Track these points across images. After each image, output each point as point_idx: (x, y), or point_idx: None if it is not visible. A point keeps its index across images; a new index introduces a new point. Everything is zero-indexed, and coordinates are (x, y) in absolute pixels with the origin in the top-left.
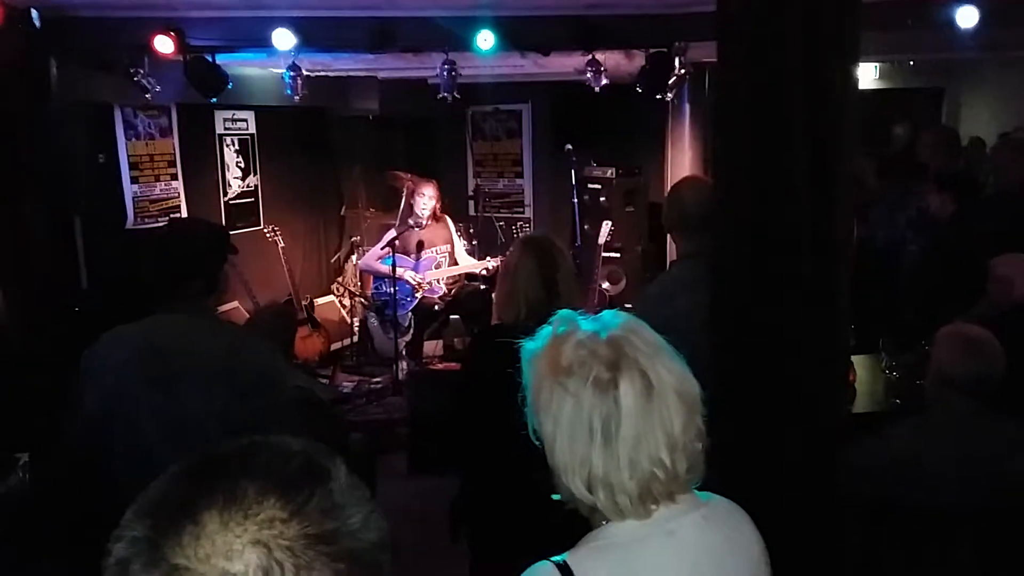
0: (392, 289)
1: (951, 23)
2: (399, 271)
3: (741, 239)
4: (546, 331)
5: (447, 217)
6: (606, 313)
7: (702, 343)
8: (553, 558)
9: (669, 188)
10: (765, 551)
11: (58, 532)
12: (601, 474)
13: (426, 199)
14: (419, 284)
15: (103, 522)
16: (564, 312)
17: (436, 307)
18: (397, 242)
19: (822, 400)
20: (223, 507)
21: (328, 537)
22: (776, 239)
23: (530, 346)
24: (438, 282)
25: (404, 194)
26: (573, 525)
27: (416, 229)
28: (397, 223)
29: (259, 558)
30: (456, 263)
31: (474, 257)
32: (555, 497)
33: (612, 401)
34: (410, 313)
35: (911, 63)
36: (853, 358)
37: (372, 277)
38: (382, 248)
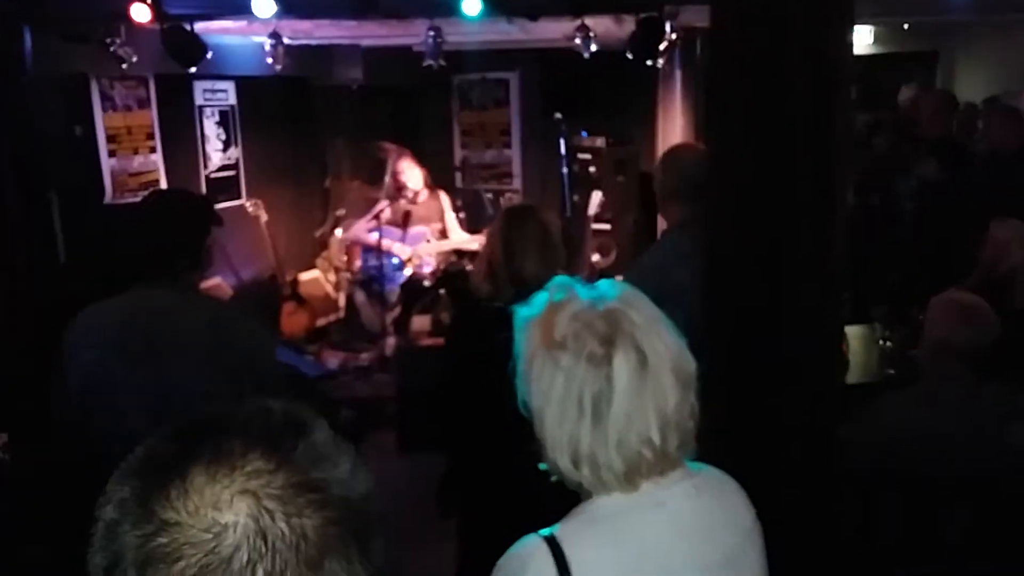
0: (379, 263)
1: None
2: (387, 244)
3: (735, 206)
4: (542, 298)
5: (440, 191)
6: (603, 282)
7: (696, 314)
8: (541, 531)
9: (661, 156)
10: (757, 520)
11: (40, 511)
12: (588, 451)
13: (410, 172)
14: (408, 259)
15: (85, 499)
16: (561, 278)
17: (426, 282)
18: (386, 213)
19: (816, 369)
20: (209, 462)
21: (316, 485)
22: (771, 206)
23: (524, 312)
24: (428, 257)
25: (388, 166)
26: (563, 498)
27: (403, 202)
28: (383, 195)
29: (249, 507)
30: (447, 239)
31: (465, 231)
32: (542, 467)
33: (604, 378)
34: (399, 288)
35: (905, 26)
36: (847, 329)
37: (360, 250)
38: (369, 220)
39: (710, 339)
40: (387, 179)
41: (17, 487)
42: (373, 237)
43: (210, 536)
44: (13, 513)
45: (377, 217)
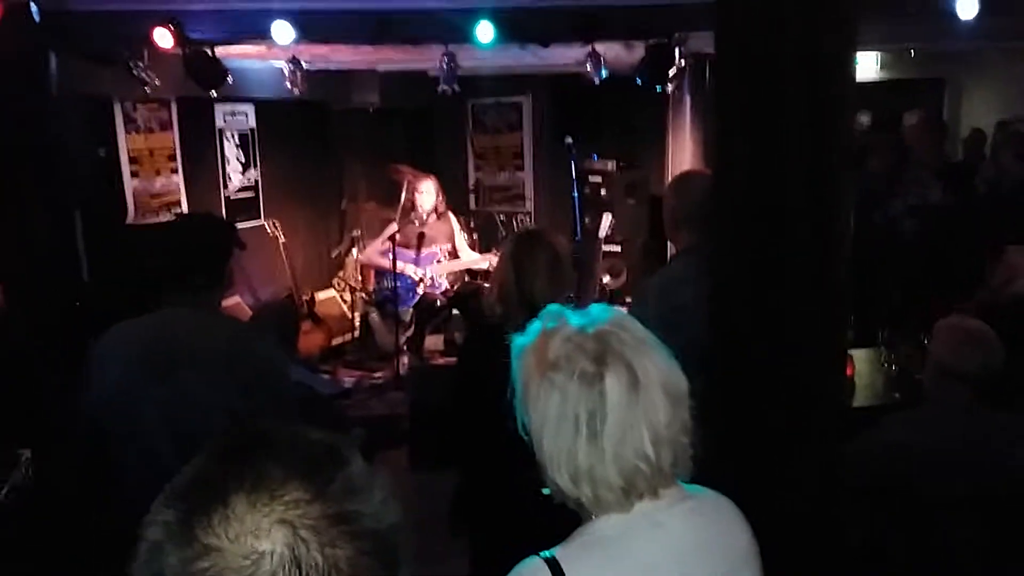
0: (393, 284)
1: (952, 12)
2: (400, 265)
3: (739, 229)
4: (535, 326)
5: (450, 213)
6: (595, 307)
7: (701, 335)
8: (542, 553)
9: (670, 181)
10: (754, 542)
11: (64, 525)
12: (586, 467)
13: (426, 195)
14: (421, 279)
15: (106, 514)
16: (553, 307)
17: (438, 303)
18: (398, 236)
19: (820, 392)
20: (250, 490)
21: (349, 517)
22: (774, 229)
23: (520, 341)
24: (440, 277)
25: (404, 188)
26: (571, 520)
27: (417, 225)
28: (397, 217)
29: (285, 536)
30: (458, 259)
31: (476, 252)
32: (544, 492)
33: (598, 394)
34: (412, 308)
35: (911, 53)
36: (852, 352)
37: (373, 271)
38: (383, 242)
39: (715, 361)
40: (402, 200)
41: (40, 501)
42: (387, 259)
43: (248, 563)
44: (37, 527)
45: (392, 239)
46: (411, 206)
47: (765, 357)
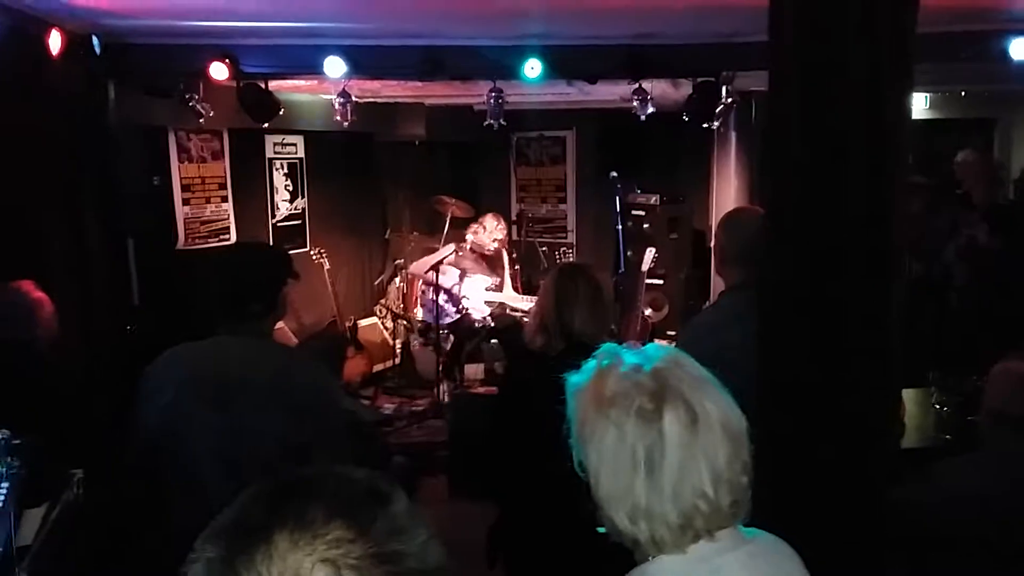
0: (438, 298)
1: (1004, 55)
2: (450, 283)
3: (791, 268)
4: (591, 364)
5: (503, 250)
6: (650, 346)
7: (751, 374)
8: None
9: (720, 218)
10: None
11: (113, 548)
12: (644, 505)
13: (494, 230)
14: (463, 297)
15: (156, 537)
16: (609, 345)
17: (477, 324)
18: (450, 257)
19: (874, 433)
20: (293, 528)
21: (392, 557)
22: (828, 269)
23: (575, 379)
24: (482, 303)
25: (473, 228)
26: (612, 556)
27: (473, 254)
28: (468, 238)
29: None
30: (501, 292)
31: (518, 281)
32: (600, 530)
33: (656, 432)
34: (448, 331)
35: (963, 93)
36: (902, 392)
37: (418, 295)
38: (439, 261)
39: (765, 400)
40: (474, 227)
41: (91, 522)
42: (451, 276)
43: None
44: (87, 548)
45: (436, 268)
46: (476, 233)
47: (818, 397)
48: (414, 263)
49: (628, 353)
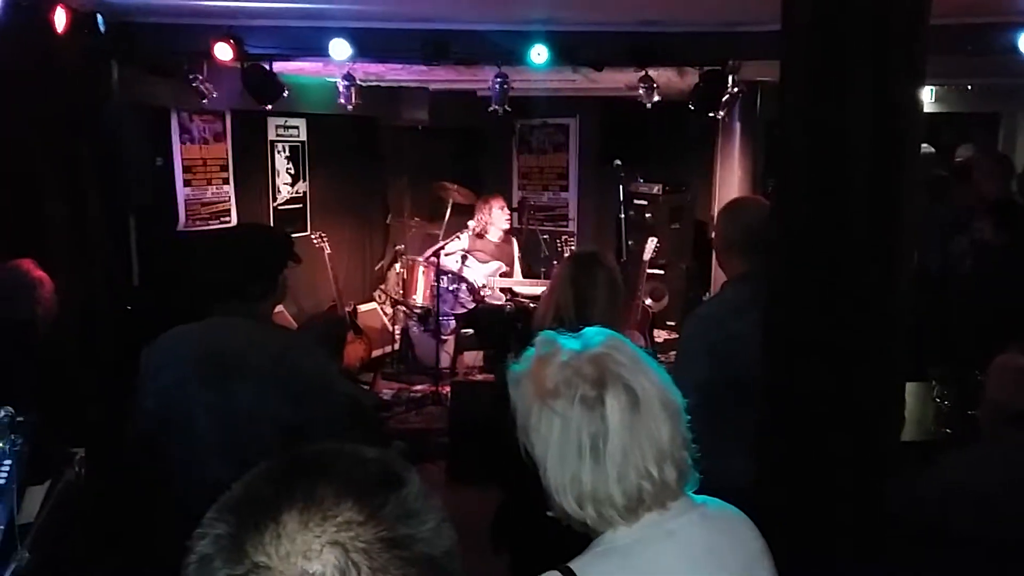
0: (455, 286)
1: (1013, 48)
2: (465, 267)
3: (799, 260)
4: (529, 352)
5: (513, 238)
6: (588, 330)
7: (754, 365)
8: (560, 567)
9: (723, 207)
10: (767, 550)
11: (114, 526)
12: (590, 490)
13: (496, 217)
14: (483, 285)
15: (157, 516)
16: (547, 333)
17: (501, 309)
18: (461, 243)
19: (876, 426)
20: (303, 508)
21: (402, 541)
22: (835, 261)
23: (515, 368)
24: (497, 290)
25: (479, 208)
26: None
27: (483, 237)
28: (474, 223)
29: (336, 559)
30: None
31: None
32: (549, 514)
33: (599, 418)
34: (455, 317)
35: (969, 87)
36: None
37: (418, 281)
38: (454, 247)
39: (768, 391)
40: (482, 214)
41: (93, 501)
42: (453, 260)
43: None
44: (89, 527)
45: (436, 254)
46: (487, 220)
47: (821, 388)
48: (427, 250)
49: (566, 339)
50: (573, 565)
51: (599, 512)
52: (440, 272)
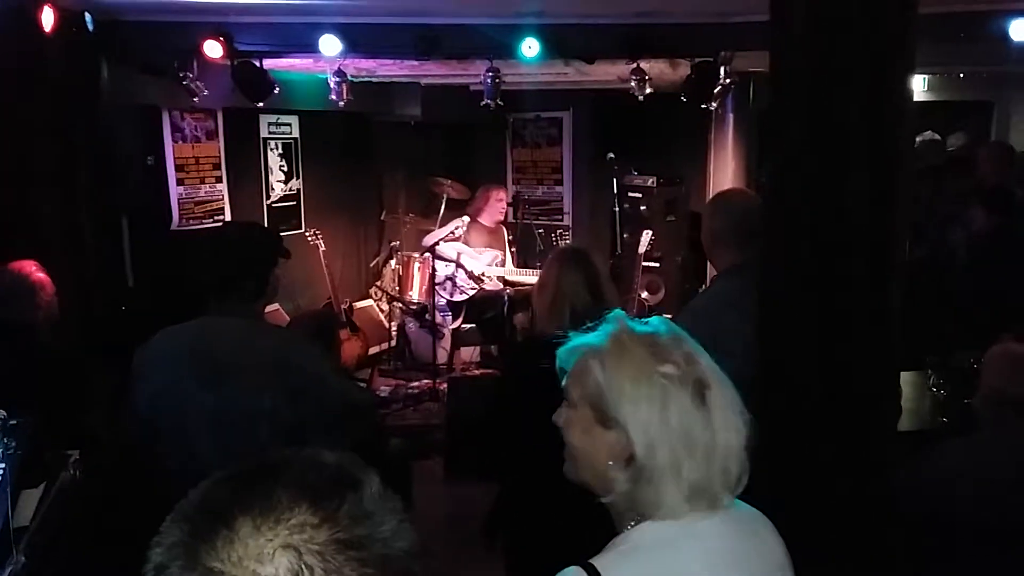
0: (455, 273)
1: (1004, 36)
2: (460, 253)
3: (792, 251)
4: (606, 328)
5: (503, 228)
6: (654, 319)
7: (747, 358)
8: (582, 563)
9: (709, 201)
10: (788, 556)
11: (109, 528)
12: (686, 474)
13: (500, 204)
14: (482, 274)
15: (152, 518)
16: (617, 312)
17: (497, 296)
18: (459, 231)
19: (871, 417)
20: (257, 513)
21: (357, 543)
22: (828, 252)
23: (590, 340)
24: (495, 278)
25: (478, 196)
26: (609, 532)
27: (478, 226)
28: (470, 211)
29: (290, 561)
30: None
31: (514, 265)
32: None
33: (698, 404)
34: (449, 313)
35: (961, 75)
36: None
37: (414, 274)
38: (446, 234)
39: (764, 382)
40: (478, 203)
41: (88, 503)
42: (451, 248)
43: None
44: (84, 528)
45: (433, 248)
46: (484, 209)
47: (817, 380)
48: (427, 236)
49: (633, 323)
50: (596, 563)
51: (671, 494)
52: (437, 258)
